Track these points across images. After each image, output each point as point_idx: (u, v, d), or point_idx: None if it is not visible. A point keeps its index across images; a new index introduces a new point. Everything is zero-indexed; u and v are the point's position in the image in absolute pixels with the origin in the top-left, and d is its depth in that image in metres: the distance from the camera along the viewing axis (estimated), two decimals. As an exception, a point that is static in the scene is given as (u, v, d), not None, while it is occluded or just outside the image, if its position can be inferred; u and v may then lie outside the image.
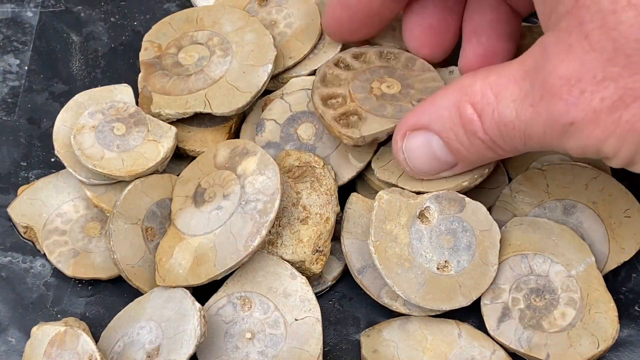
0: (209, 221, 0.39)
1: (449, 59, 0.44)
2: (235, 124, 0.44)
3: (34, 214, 0.42)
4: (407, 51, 0.42)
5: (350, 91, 0.40)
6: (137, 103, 0.43)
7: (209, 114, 0.42)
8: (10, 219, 0.43)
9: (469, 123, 0.34)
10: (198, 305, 0.36)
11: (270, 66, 0.43)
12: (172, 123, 0.42)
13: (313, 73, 0.44)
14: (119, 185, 0.41)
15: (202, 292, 0.39)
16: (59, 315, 0.40)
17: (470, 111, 0.33)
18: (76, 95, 0.44)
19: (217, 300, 0.38)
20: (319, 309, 0.38)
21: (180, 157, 0.43)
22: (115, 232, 0.39)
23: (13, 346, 0.40)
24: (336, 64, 0.42)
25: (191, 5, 0.49)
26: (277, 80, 0.45)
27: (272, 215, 0.37)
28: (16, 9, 0.50)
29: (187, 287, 0.38)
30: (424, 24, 0.42)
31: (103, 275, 0.41)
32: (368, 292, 0.39)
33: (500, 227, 0.40)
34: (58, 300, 0.41)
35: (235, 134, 0.44)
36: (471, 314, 0.39)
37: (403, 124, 0.36)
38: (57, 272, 0.41)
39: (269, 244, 0.39)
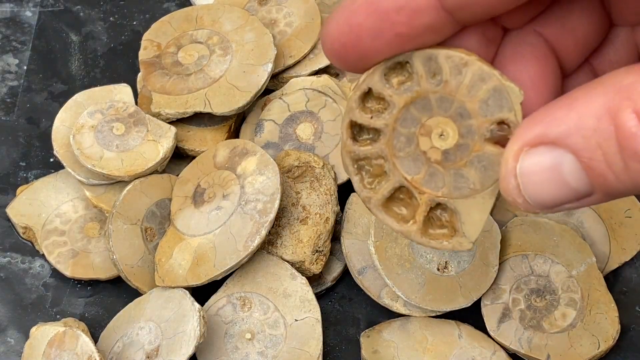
0: (208, 221, 0.38)
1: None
2: (235, 123, 0.44)
3: (33, 214, 0.42)
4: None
5: (407, 178, 0.27)
6: (136, 103, 0.43)
7: (208, 114, 0.42)
8: (9, 219, 0.43)
9: (630, 138, 0.24)
10: (197, 305, 0.36)
11: (270, 65, 0.42)
12: (171, 122, 0.42)
13: (313, 73, 0.44)
14: (118, 185, 0.41)
15: (202, 293, 0.39)
16: (58, 316, 0.40)
17: (633, 122, 0.24)
18: (75, 95, 0.44)
19: (217, 300, 0.38)
20: (319, 309, 0.38)
21: (179, 156, 0.43)
22: (115, 232, 0.39)
23: (12, 347, 0.39)
24: (354, 138, 0.27)
25: (190, 4, 0.49)
26: (277, 79, 0.45)
27: (272, 216, 0.37)
28: (15, 9, 0.50)
29: (186, 288, 0.38)
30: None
31: (102, 275, 0.41)
32: (368, 293, 0.39)
33: (500, 227, 0.40)
34: (57, 301, 0.41)
35: (235, 134, 0.44)
36: (471, 315, 0.39)
37: (519, 136, 0.25)
38: (56, 273, 0.41)
39: (268, 244, 0.39)
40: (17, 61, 0.48)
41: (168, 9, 0.50)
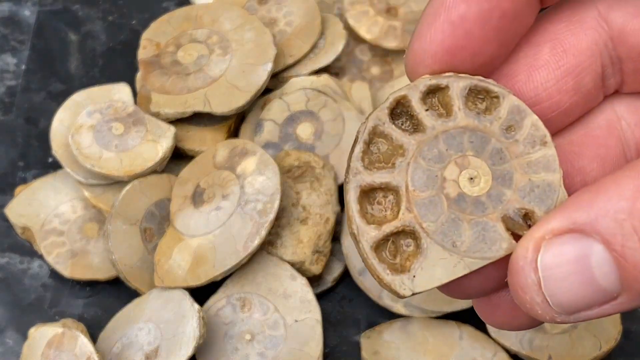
0: (208, 222, 0.38)
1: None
2: (235, 123, 0.43)
3: (32, 215, 0.42)
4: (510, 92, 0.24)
5: (409, 184, 0.24)
6: (135, 102, 0.43)
7: (208, 114, 0.42)
8: (7, 220, 0.42)
9: None
10: (197, 306, 0.36)
11: (270, 65, 0.42)
12: (170, 122, 0.42)
13: (313, 73, 0.44)
14: (117, 185, 0.41)
15: (201, 293, 0.38)
16: (57, 317, 0.40)
17: None
18: (74, 95, 0.43)
19: (217, 301, 0.38)
20: (319, 310, 0.38)
21: (179, 156, 0.43)
22: (114, 232, 0.39)
23: (10, 348, 0.39)
24: (393, 115, 0.24)
25: (190, 3, 0.49)
26: (277, 79, 0.44)
27: (272, 216, 0.37)
28: (14, 8, 0.50)
29: (186, 288, 0.37)
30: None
31: (101, 276, 0.40)
32: (369, 294, 0.39)
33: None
34: (56, 302, 0.41)
35: (235, 133, 0.44)
36: (472, 316, 0.39)
37: (541, 224, 0.22)
38: (54, 273, 0.41)
39: (268, 245, 0.39)
40: (15, 60, 0.48)
41: (167, 8, 0.50)
